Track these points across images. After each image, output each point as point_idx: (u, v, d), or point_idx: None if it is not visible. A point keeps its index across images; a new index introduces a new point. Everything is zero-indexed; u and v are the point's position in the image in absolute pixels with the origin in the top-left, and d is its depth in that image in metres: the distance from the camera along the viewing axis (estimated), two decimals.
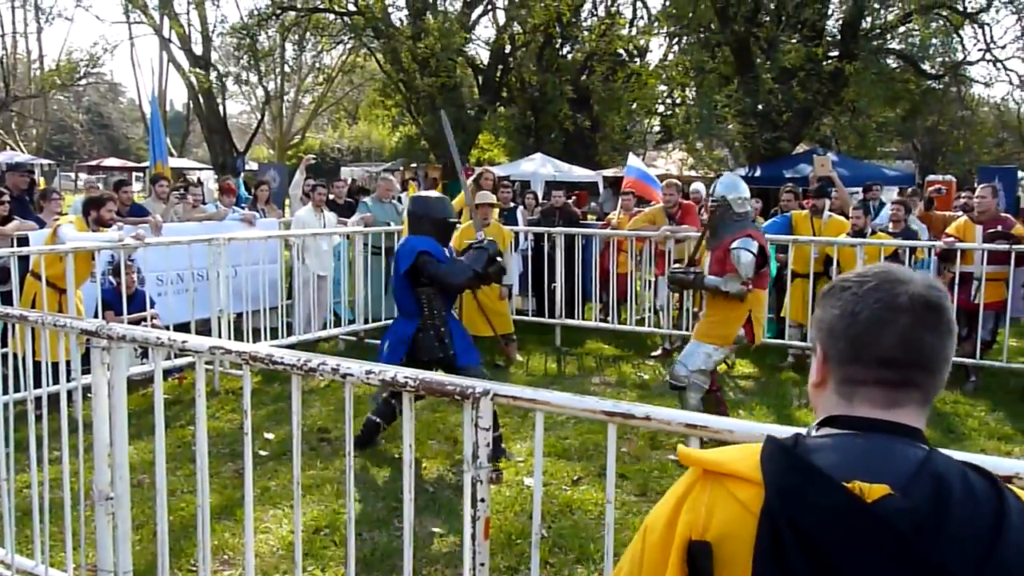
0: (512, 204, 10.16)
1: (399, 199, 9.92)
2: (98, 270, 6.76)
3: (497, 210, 8.61)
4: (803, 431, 1.19)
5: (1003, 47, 19.10)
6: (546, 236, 9.21)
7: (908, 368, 1.13)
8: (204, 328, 7.37)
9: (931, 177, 20.58)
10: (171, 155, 30.39)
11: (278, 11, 22.25)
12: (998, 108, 20.71)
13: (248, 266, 7.76)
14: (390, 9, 22.51)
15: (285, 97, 33.42)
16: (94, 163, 33.71)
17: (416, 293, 5.44)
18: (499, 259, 5.82)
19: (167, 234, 7.54)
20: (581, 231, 9.33)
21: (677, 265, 6.62)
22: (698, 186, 10.58)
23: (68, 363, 3.91)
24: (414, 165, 24.58)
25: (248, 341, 7.50)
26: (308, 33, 25.22)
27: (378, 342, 8.53)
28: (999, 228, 7.36)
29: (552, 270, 9.10)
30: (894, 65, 21.66)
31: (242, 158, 24.52)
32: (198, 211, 8.93)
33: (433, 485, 5.04)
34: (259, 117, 31.82)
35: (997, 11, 18.61)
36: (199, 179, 20.07)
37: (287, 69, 30.78)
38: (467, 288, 5.95)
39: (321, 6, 22.48)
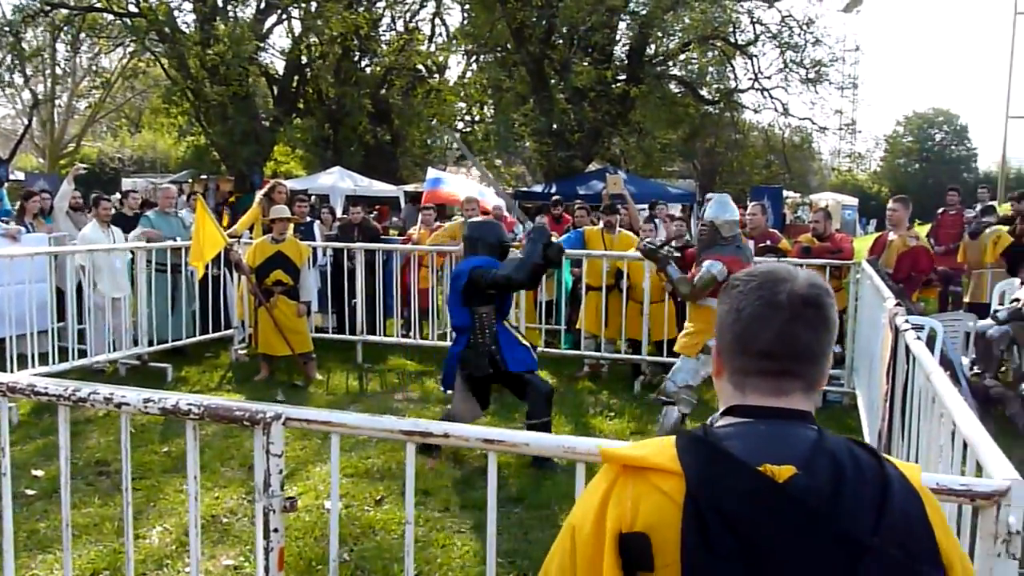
0: (309, 219, 9.92)
1: (183, 212, 9.42)
2: None
3: (292, 225, 8.37)
4: (709, 421, 1.27)
5: (769, 77, 20.95)
6: (345, 252, 9.03)
7: (786, 359, 1.24)
8: None
9: (709, 195, 22.22)
10: None
11: (47, 7, 20.51)
12: (766, 133, 22.69)
13: (12, 285, 7.03)
14: (176, 13, 21.39)
15: (57, 101, 30.87)
16: None
17: (471, 312, 5.56)
18: (553, 240, 5.79)
19: None
20: (381, 246, 9.24)
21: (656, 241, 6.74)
22: (499, 202, 10.78)
23: None
24: (204, 177, 23.39)
25: (11, 369, 6.81)
26: (83, 33, 23.42)
27: (164, 365, 8.06)
28: (768, 243, 8.02)
29: (352, 286, 8.93)
30: (676, 90, 23.21)
31: (5, 166, 22.23)
32: None
33: (228, 515, 4.77)
34: (26, 122, 29.10)
35: (763, 44, 20.42)
36: None
37: (59, 71, 28.48)
38: (535, 280, 5.76)
39: (97, 5, 20.96)
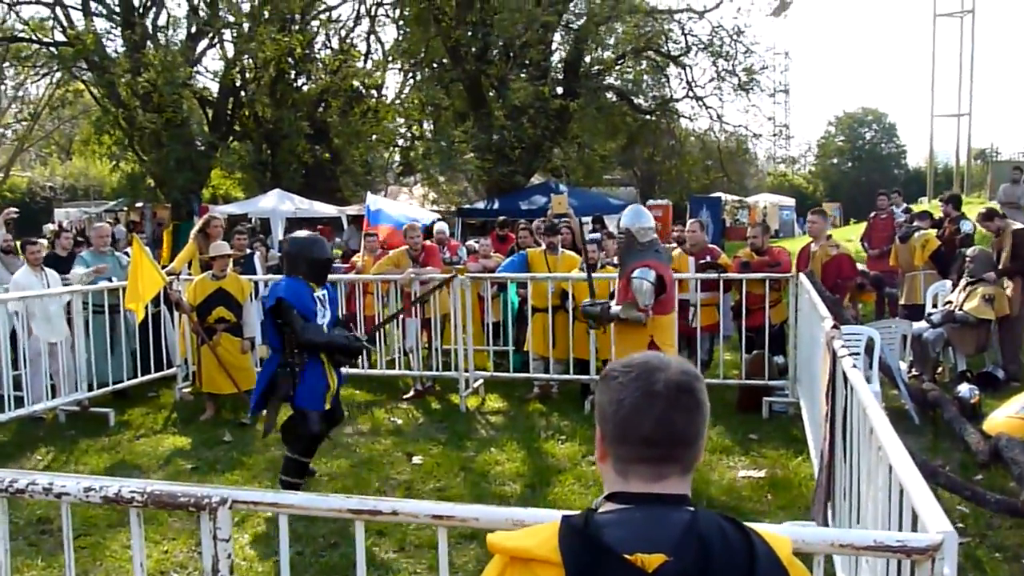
0: (248, 250, 9.79)
1: (124, 251, 9.22)
2: None
3: (231, 260, 8.25)
4: (592, 506, 1.35)
5: (702, 86, 21.35)
6: None
7: (666, 446, 1.31)
8: None
9: (650, 202, 22.51)
10: None
11: None
12: (702, 140, 23.12)
13: None
14: (105, 39, 20.97)
15: None
16: None
17: (279, 329, 5.42)
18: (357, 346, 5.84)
19: None
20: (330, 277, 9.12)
21: (588, 300, 6.66)
22: (442, 226, 10.78)
23: None
24: (139, 205, 22.91)
25: None
26: (7, 63, 22.80)
27: (105, 410, 7.87)
28: (708, 258, 8.16)
29: None
30: (612, 100, 23.48)
31: None
32: None
33: (178, 569, 4.68)
34: None
35: (696, 54, 20.80)
36: None
37: None
38: (316, 348, 5.51)
39: (21, 35, 20.42)
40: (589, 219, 13.24)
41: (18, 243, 9.40)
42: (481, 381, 8.68)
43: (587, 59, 20.01)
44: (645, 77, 23.62)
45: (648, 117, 23.80)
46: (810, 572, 1.37)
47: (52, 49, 20.74)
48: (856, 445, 3.39)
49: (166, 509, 2.07)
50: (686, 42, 20.27)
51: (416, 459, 6.58)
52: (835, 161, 61.85)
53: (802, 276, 7.35)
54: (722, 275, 7.87)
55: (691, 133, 24.05)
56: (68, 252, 9.53)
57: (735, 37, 19.53)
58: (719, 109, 21.20)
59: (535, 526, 1.34)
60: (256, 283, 8.86)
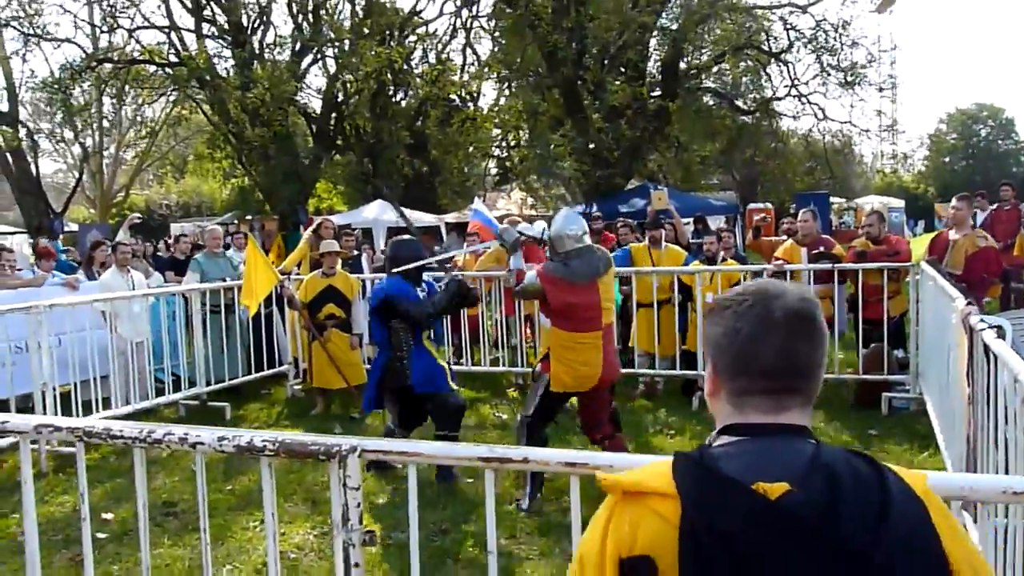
0: (356, 252, 10.01)
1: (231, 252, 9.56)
2: None
3: (341, 259, 8.45)
4: (707, 441, 1.27)
5: (806, 83, 20.71)
6: None
7: (787, 376, 1.25)
8: (27, 404, 6.75)
9: (752, 206, 21.99)
10: None
11: (93, 63, 21.10)
12: (806, 140, 22.41)
13: (75, 333, 7.16)
14: (216, 59, 21.86)
15: (105, 153, 31.71)
16: None
17: (387, 328, 5.84)
18: (469, 289, 6.21)
19: None
20: (434, 274, 9.22)
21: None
22: (540, 224, 10.75)
23: None
24: (249, 218, 23.77)
25: (79, 414, 6.93)
26: (127, 86, 24.05)
27: (222, 404, 8.14)
28: (822, 249, 7.87)
29: None
30: (712, 102, 23.05)
31: (59, 219, 22.94)
32: (13, 278, 8.19)
33: (295, 551, 4.76)
34: (77, 175, 29.91)
35: (798, 51, 20.21)
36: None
37: (106, 124, 29.24)
38: (432, 319, 6.01)
39: (140, 57, 21.51)
40: (691, 219, 13.00)
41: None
42: None
43: (685, 61, 19.70)
44: (744, 79, 23.12)
45: (748, 118, 23.26)
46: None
47: (167, 70, 21.76)
48: (1004, 421, 3.16)
49: (297, 457, 2.07)
50: (788, 38, 19.74)
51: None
52: (947, 160, 59.10)
53: (924, 264, 7.00)
54: (836, 265, 7.57)
55: (794, 133, 23.38)
56: (185, 256, 9.92)
57: (840, 31, 18.89)
58: (823, 106, 20.56)
59: (647, 464, 1.27)
60: (363, 281, 9.02)
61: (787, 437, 1.22)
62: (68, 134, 25.78)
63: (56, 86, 21.06)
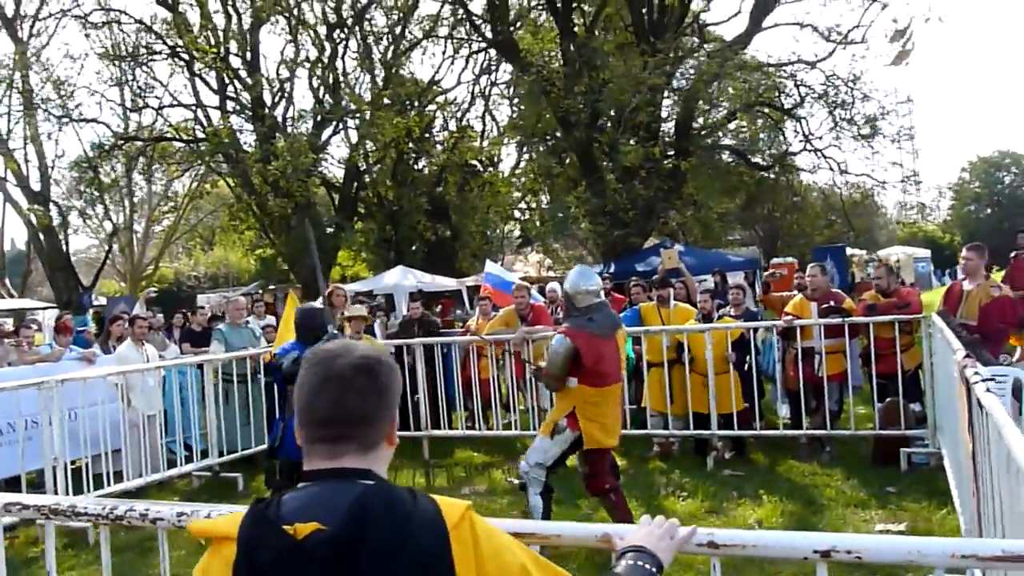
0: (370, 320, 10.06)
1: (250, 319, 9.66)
2: None
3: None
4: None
5: (820, 137, 20.77)
6: (404, 348, 9.07)
7: (339, 425, 1.40)
8: (41, 480, 6.80)
9: (775, 261, 21.89)
10: (11, 296, 28.79)
11: (121, 142, 21.74)
12: (822, 193, 22.39)
13: (88, 407, 7.23)
14: (239, 133, 22.45)
15: (135, 227, 32.43)
16: None
17: (283, 392, 6.15)
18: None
19: (2, 382, 6.96)
20: (439, 340, 9.26)
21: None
22: (554, 285, 10.80)
23: None
24: (272, 287, 24.10)
25: (90, 489, 6.96)
26: (155, 163, 24.74)
27: (235, 475, 8.14)
28: (831, 303, 7.79)
29: (414, 381, 8.95)
30: (728, 159, 23.15)
31: (88, 294, 23.39)
32: (31, 354, 8.34)
33: None
34: (106, 251, 30.58)
35: (811, 106, 20.33)
36: (33, 320, 18.83)
37: (135, 200, 29.96)
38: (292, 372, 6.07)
39: (168, 135, 22.16)
40: (708, 276, 12.95)
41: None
42: None
43: (698, 119, 19.87)
44: (762, 135, 23.25)
45: (766, 173, 23.31)
46: None
47: (192, 145, 22.37)
48: (995, 472, 3.09)
49: None
50: (799, 94, 19.88)
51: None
52: (972, 208, 58.64)
53: (934, 316, 6.90)
54: (846, 319, 7.49)
55: (813, 187, 23.34)
56: (203, 327, 10.03)
57: (851, 85, 19.00)
58: (839, 160, 20.50)
59: (229, 513, 1.46)
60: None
61: (339, 481, 1.36)
62: (98, 210, 26.36)
63: (86, 165, 21.67)
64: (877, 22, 31.87)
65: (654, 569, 1.65)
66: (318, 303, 7.14)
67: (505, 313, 8.89)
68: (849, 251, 20.22)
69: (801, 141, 20.98)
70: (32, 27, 23.51)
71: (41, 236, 23.12)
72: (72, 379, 6.95)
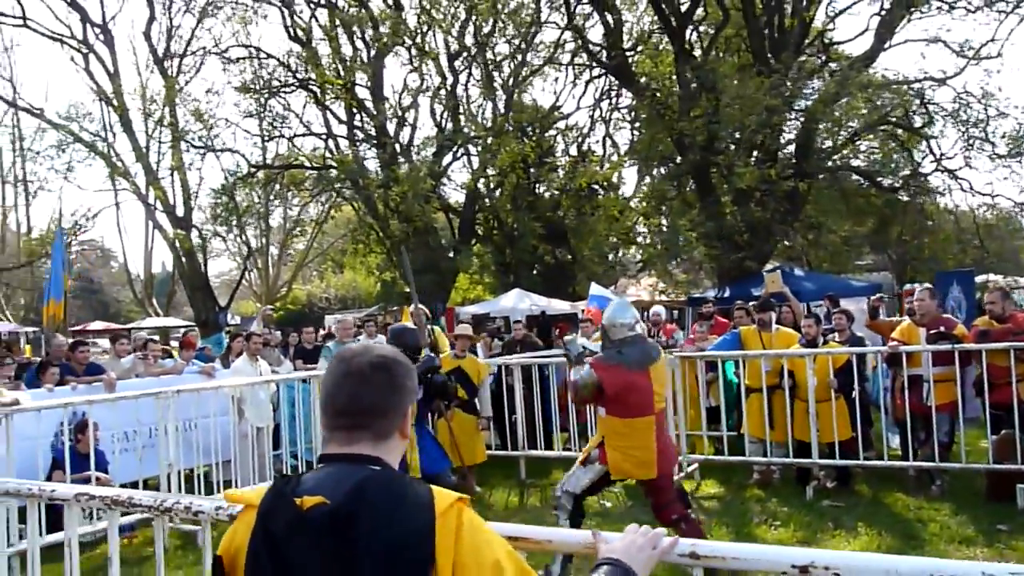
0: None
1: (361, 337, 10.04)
2: (46, 432, 6.74)
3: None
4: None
5: (951, 157, 19.73)
6: (503, 368, 9.23)
7: (355, 416, 1.58)
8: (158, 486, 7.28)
9: (908, 286, 20.86)
10: (156, 315, 30.84)
11: (254, 169, 23.05)
12: (953, 215, 21.17)
13: (205, 419, 7.71)
14: (366, 161, 23.39)
15: (271, 250, 34.17)
16: (79, 327, 33.97)
17: None
18: (436, 374, 6.37)
19: (124, 391, 7.54)
20: (537, 360, 9.36)
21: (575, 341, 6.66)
22: (658, 309, 10.74)
23: None
24: (394, 309, 24.89)
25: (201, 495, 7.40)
26: (288, 189, 26.09)
27: None
28: (941, 329, 7.42)
29: (512, 401, 9.07)
30: (857, 181, 22.27)
31: (224, 313, 24.80)
32: (156, 367, 8.97)
33: None
34: (240, 273, 32.38)
35: (943, 125, 19.37)
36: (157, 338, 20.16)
37: (271, 224, 31.64)
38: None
39: (295, 163, 23.34)
40: (823, 301, 12.52)
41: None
42: (696, 465, 8.38)
43: (819, 139, 19.24)
44: (894, 156, 22.28)
45: (899, 195, 22.25)
46: None
47: (321, 172, 23.48)
48: None
49: None
50: (928, 112, 18.93)
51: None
52: None
53: None
54: (956, 346, 7.10)
55: (946, 210, 22.12)
56: (313, 345, 10.51)
57: (984, 102, 17.99)
58: (972, 180, 19.40)
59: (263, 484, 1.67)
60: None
61: (349, 464, 1.53)
62: (234, 234, 27.99)
63: (222, 191, 23.08)
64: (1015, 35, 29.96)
65: None
66: (408, 324, 7.45)
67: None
68: (986, 277, 19.07)
69: (932, 162, 19.99)
70: (179, 64, 25.31)
71: (183, 259, 24.71)
72: (187, 390, 7.43)
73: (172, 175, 24.94)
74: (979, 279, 16.74)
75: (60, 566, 2.95)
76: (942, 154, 19.71)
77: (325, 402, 1.62)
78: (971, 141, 18.68)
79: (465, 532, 1.47)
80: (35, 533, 3.10)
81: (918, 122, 19.36)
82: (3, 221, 30.32)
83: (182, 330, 29.10)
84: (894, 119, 18.98)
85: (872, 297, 9.38)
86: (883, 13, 18.57)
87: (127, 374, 8.57)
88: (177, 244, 24.18)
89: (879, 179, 21.58)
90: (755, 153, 18.14)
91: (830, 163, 19.73)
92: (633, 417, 5.31)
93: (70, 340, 9.50)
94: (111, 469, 7.21)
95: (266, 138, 24.97)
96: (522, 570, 1.51)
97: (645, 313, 11.19)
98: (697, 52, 20.62)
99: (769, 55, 18.20)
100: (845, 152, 20.81)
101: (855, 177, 22.13)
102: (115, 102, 23.88)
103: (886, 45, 18.68)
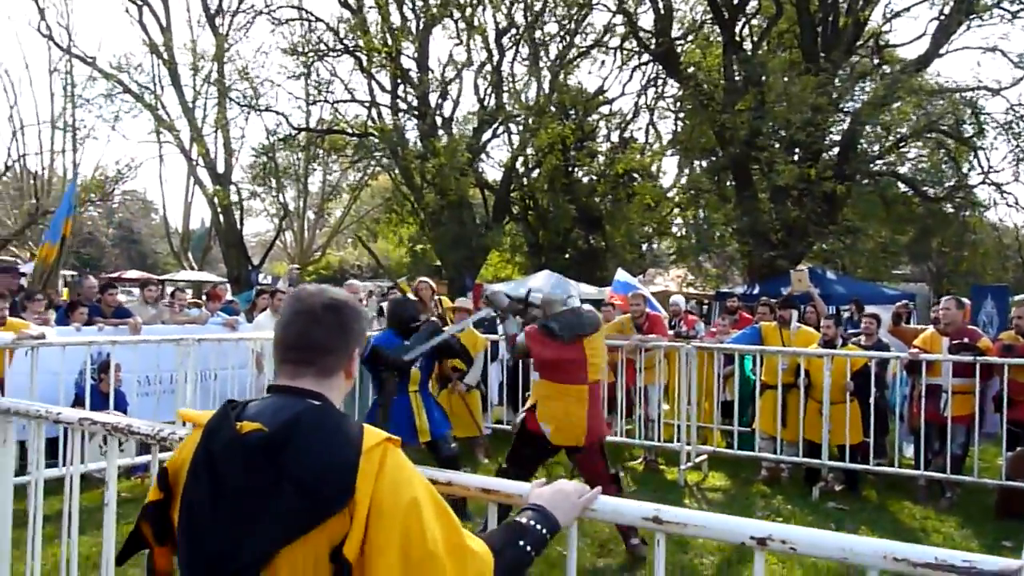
0: (492, 314, 10.32)
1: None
2: (70, 369, 6.90)
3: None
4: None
5: (1000, 171, 19.29)
6: None
7: (302, 351, 1.67)
8: None
9: (944, 298, 20.53)
10: (191, 268, 31.30)
11: (295, 131, 23.22)
12: (995, 229, 20.75)
13: (228, 370, 7.84)
14: (406, 132, 23.48)
15: (308, 214, 34.44)
16: (115, 275, 34.62)
17: (377, 377, 6.42)
18: (440, 336, 6.42)
19: (148, 336, 7.70)
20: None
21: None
22: (677, 298, 10.69)
23: None
24: (417, 280, 25.05)
25: None
26: (327, 154, 26.26)
27: None
28: (965, 340, 7.33)
29: (528, 382, 9.10)
30: (900, 187, 21.94)
31: (256, 272, 25.07)
32: (181, 315, 9.13)
33: None
34: (275, 233, 32.72)
35: (995, 137, 18.96)
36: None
37: (310, 188, 31.88)
38: (409, 364, 6.30)
39: (336, 128, 23.46)
40: (850, 305, 12.41)
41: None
42: (705, 457, 8.37)
43: (863, 143, 18.93)
44: (944, 165, 21.87)
45: (944, 206, 21.84)
46: None
47: (361, 140, 23.62)
48: None
49: None
50: (979, 122, 18.52)
51: None
52: None
53: None
54: (978, 358, 7.01)
55: (990, 224, 21.68)
56: None
57: None
58: (1020, 196, 18.99)
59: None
60: (496, 344, 9.34)
61: (291, 397, 1.63)
62: (273, 194, 28.27)
63: (263, 151, 23.28)
64: None
65: (546, 533, 1.74)
66: (407, 296, 7.81)
67: (620, 320, 8.92)
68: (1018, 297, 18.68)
69: (979, 174, 19.59)
70: (230, 22, 25.51)
71: (221, 215, 25.00)
72: (208, 339, 7.57)
73: (215, 131, 25.21)
74: (1018, 297, 16.43)
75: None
76: (990, 167, 19.35)
77: (277, 336, 1.72)
78: (1021, 155, 18.28)
79: (388, 470, 1.53)
80: (41, 463, 3.21)
81: (968, 132, 18.97)
82: (51, 165, 30.78)
83: (208, 287, 29.60)
84: (944, 127, 18.61)
85: (898, 304, 9.27)
86: (941, 18, 18.21)
87: (153, 320, 8.74)
88: (216, 200, 24.47)
89: (924, 188, 21.24)
90: (797, 151, 17.92)
91: (874, 167, 19.40)
92: (564, 383, 5.62)
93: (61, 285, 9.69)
94: (129, 411, 7.35)
95: (310, 101, 25.14)
96: (441, 510, 1.55)
97: (665, 303, 11.11)
98: (747, 45, 20.36)
99: (820, 53, 17.93)
100: (890, 158, 20.49)
101: (899, 184, 21.84)
102: (165, 56, 24.14)
103: (941, 51, 18.32)
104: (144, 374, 7.60)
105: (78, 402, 6.94)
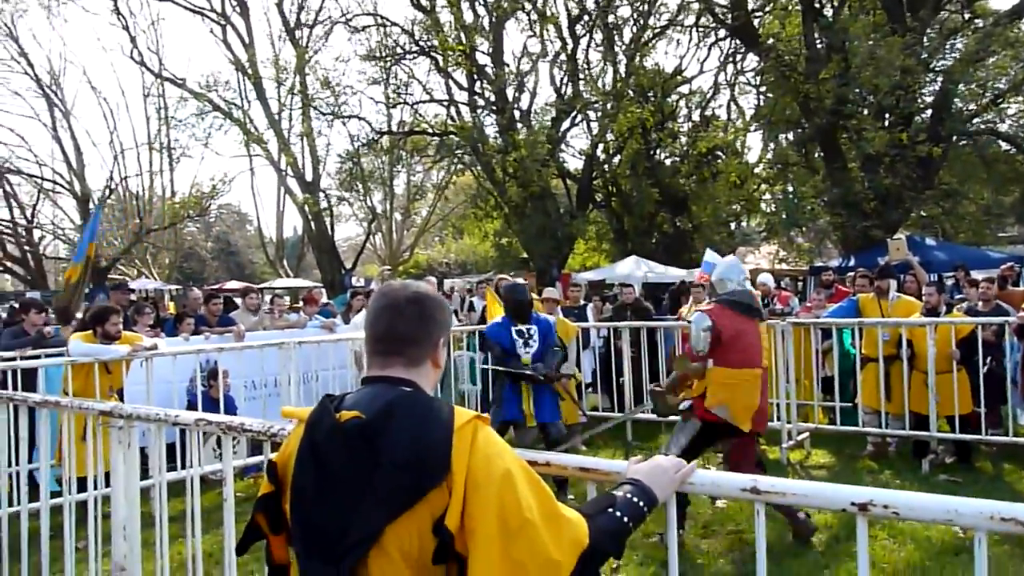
0: (582, 302, 10.38)
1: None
2: (181, 377, 7.25)
3: (561, 307, 8.85)
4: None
5: None
6: (611, 331, 9.29)
7: (390, 342, 1.77)
8: None
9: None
10: (287, 275, 32.30)
11: (378, 135, 23.66)
12: None
13: (328, 370, 8.14)
14: (486, 128, 23.66)
15: (395, 215, 35.13)
16: (216, 286, 36.04)
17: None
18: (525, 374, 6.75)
19: (251, 342, 8.02)
20: (647, 324, 9.34)
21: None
22: (765, 277, 10.50)
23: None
24: (501, 276, 25.24)
25: None
26: (411, 156, 26.70)
27: None
28: None
29: (620, 364, 9.12)
30: (1002, 146, 20.97)
31: (349, 275, 25.71)
32: (281, 321, 9.47)
33: None
34: (365, 236, 33.45)
35: None
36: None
37: (395, 190, 32.54)
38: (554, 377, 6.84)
39: (417, 129, 23.82)
40: (955, 271, 11.96)
41: None
42: (807, 435, 8.21)
43: (958, 102, 18.11)
44: None
45: None
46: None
47: (442, 139, 23.94)
48: None
49: None
50: None
51: (720, 503, 6.42)
52: None
53: None
54: None
55: None
56: None
57: None
58: None
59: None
60: (587, 331, 9.39)
61: (384, 385, 1.72)
62: (360, 199, 28.93)
63: (349, 157, 23.84)
64: None
65: (644, 506, 1.76)
66: (520, 280, 7.98)
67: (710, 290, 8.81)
68: None
69: None
70: (309, 34, 26.21)
71: (312, 223, 25.73)
72: (308, 342, 7.85)
73: (302, 141, 25.96)
74: None
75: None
76: None
77: (367, 330, 1.82)
78: None
79: (479, 445, 1.61)
80: (163, 466, 3.41)
81: None
82: (150, 185, 32.26)
83: (305, 291, 30.47)
84: None
85: (1003, 266, 8.87)
86: None
87: (255, 326, 9.09)
88: (306, 208, 25.20)
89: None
90: (887, 116, 17.28)
91: (971, 127, 18.56)
92: (744, 367, 5.38)
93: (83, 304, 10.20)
94: (238, 414, 7.70)
95: (390, 105, 25.62)
96: (534, 481, 1.61)
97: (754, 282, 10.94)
98: (827, 11, 19.73)
99: (906, 13, 17.24)
100: (989, 115, 19.56)
101: (999, 142, 20.84)
102: (250, 71, 24.99)
103: None
104: (250, 378, 7.92)
105: (191, 408, 7.29)
